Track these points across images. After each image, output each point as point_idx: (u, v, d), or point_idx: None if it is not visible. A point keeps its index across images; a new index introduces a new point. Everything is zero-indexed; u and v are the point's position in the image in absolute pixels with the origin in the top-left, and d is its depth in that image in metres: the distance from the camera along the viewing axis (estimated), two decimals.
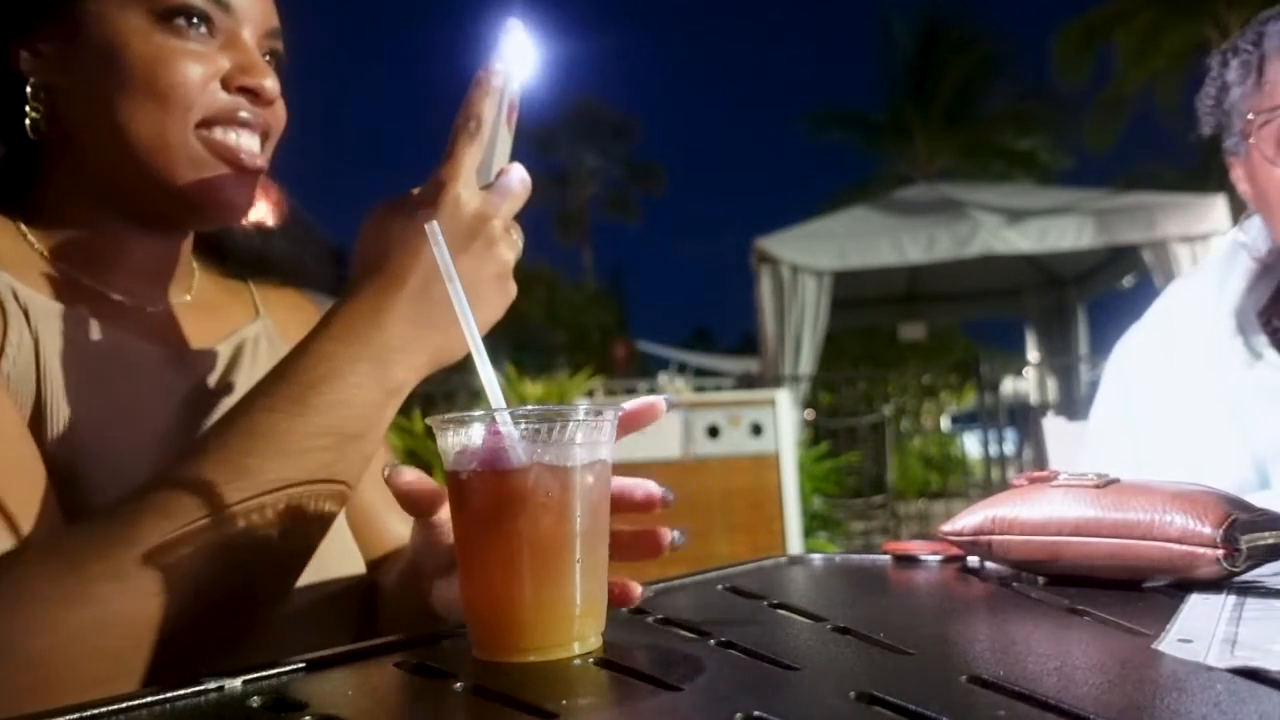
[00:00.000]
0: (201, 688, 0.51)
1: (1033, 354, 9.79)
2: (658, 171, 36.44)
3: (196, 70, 0.76)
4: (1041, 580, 0.77)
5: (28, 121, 0.77)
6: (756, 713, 0.43)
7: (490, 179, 0.72)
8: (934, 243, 7.24)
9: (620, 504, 0.66)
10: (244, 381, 0.84)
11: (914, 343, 13.07)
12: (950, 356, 17.21)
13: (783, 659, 0.53)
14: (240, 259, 0.95)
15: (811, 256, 7.33)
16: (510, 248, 0.72)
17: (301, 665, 0.55)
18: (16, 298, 0.73)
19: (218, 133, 0.78)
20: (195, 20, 0.76)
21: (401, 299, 0.68)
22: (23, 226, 0.79)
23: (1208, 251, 6.52)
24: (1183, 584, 0.71)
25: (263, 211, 0.93)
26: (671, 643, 0.60)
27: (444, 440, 0.58)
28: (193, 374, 0.82)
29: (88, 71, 0.76)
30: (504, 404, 0.58)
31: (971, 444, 9.54)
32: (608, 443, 0.59)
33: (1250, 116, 1.19)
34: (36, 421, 0.71)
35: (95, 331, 0.77)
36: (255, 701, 0.49)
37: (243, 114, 0.79)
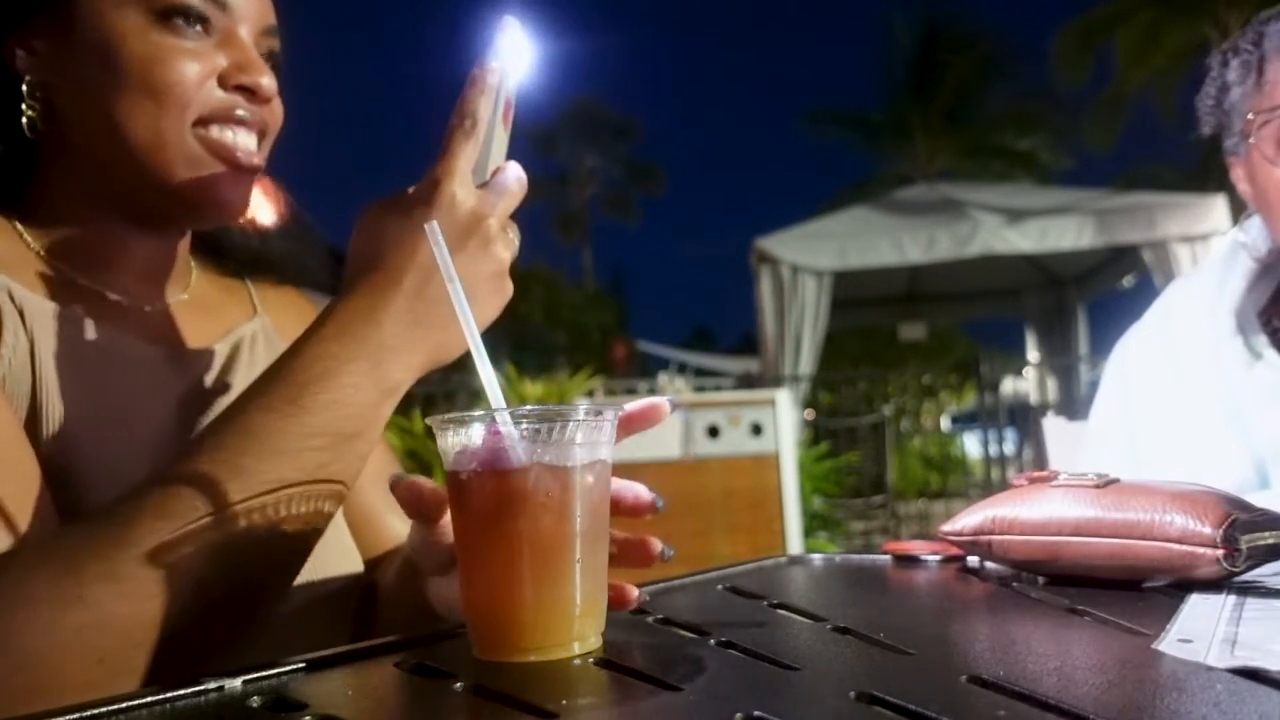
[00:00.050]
0: (201, 688, 0.51)
1: (1033, 354, 9.80)
2: (658, 171, 36.43)
3: (193, 68, 0.76)
4: (1041, 580, 0.77)
5: (24, 119, 0.77)
6: (756, 713, 0.43)
7: (486, 177, 0.72)
8: (934, 243, 7.24)
9: (610, 507, 0.65)
10: (241, 380, 0.84)
11: (914, 343, 13.07)
12: (950, 356, 17.22)
13: (783, 659, 0.53)
14: (238, 257, 0.95)
15: (811, 256, 7.33)
16: (506, 247, 0.72)
17: (301, 665, 0.55)
18: (12, 297, 0.73)
19: (214, 131, 0.78)
20: (192, 18, 0.76)
21: (397, 298, 0.68)
22: (18, 225, 0.79)
23: (1208, 251, 6.52)
24: (1183, 584, 0.71)
25: (261, 210, 0.92)
26: (671, 643, 0.60)
27: (444, 440, 0.58)
28: (189, 373, 0.82)
29: (84, 69, 0.76)
30: (504, 404, 0.58)
31: (971, 444, 9.54)
32: (608, 443, 0.59)
33: (1250, 116, 1.19)
34: (32, 422, 0.70)
35: (91, 331, 0.76)
36: (255, 701, 0.49)
37: (240, 112, 0.78)
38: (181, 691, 0.50)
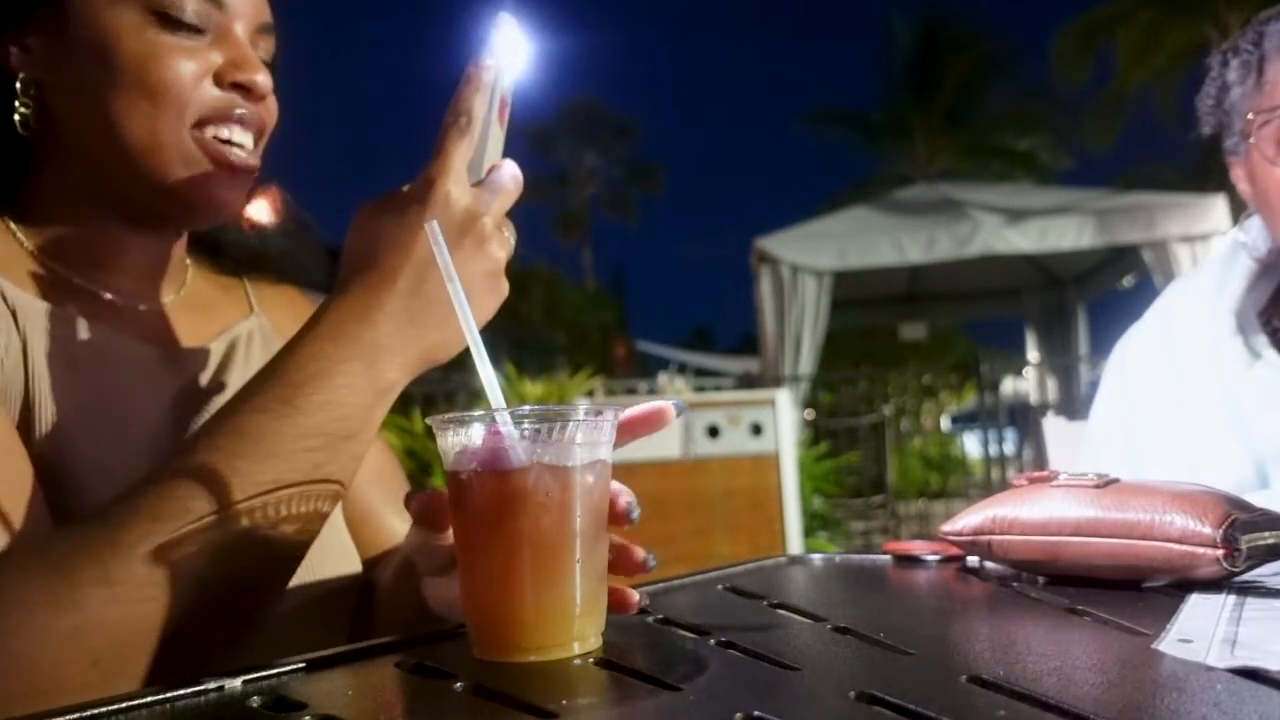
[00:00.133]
0: (201, 688, 0.51)
1: (1033, 354, 9.79)
2: (658, 171, 36.45)
3: (189, 67, 0.75)
4: (1041, 580, 0.77)
5: (16, 117, 0.77)
6: (756, 713, 0.43)
7: (481, 176, 0.71)
8: (934, 243, 7.24)
9: None
10: (236, 379, 0.84)
11: (914, 343, 13.08)
12: (950, 356, 17.23)
13: (783, 659, 0.53)
14: (235, 256, 0.95)
15: (811, 256, 7.33)
16: (502, 245, 0.71)
17: (301, 665, 0.55)
18: (4, 297, 0.72)
19: (212, 132, 0.77)
20: (187, 16, 0.75)
21: (392, 297, 0.67)
22: (11, 224, 0.79)
23: (1208, 251, 6.52)
24: (1183, 584, 0.71)
25: (258, 208, 0.92)
26: (671, 643, 0.60)
27: (444, 440, 0.58)
28: (184, 372, 0.82)
29: (78, 68, 0.75)
30: (504, 404, 0.58)
31: (971, 444, 9.55)
32: (608, 443, 0.59)
33: (1250, 116, 1.19)
34: (25, 422, 0.70)
35: (84, 330, 0.76)
36: (255, 701, 0.49)
37: (238, 111, 0.78)
38: (181, 691, 0.50)
